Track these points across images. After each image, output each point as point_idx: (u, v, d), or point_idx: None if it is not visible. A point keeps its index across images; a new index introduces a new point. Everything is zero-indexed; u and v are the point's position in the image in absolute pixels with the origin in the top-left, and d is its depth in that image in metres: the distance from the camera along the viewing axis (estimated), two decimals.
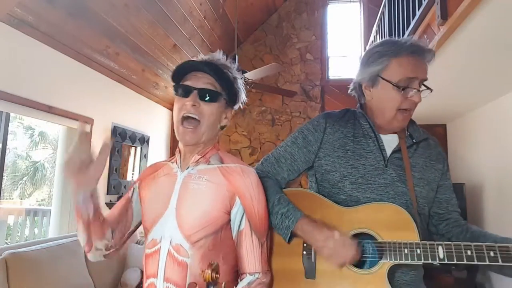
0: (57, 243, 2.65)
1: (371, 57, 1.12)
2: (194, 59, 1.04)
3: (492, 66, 2.39)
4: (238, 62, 3.86)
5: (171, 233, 0.96)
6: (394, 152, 1.12)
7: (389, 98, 1.08)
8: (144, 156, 4.43)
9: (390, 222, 1.00)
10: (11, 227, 4.88)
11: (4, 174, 3.81)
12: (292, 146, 1.20)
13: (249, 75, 3.63)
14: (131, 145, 4.15)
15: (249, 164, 4.79)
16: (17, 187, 10.66)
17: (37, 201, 10.90)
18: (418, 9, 2.30)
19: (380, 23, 3.72)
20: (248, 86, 3.89)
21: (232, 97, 1.07)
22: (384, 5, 3.43)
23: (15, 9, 2.52)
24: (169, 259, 0.94)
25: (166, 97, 5.04)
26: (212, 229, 0.95)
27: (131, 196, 1.11)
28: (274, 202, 1.08)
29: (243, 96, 1.12)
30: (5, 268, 2.18)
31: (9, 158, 10.13)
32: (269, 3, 5.16)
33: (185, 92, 0.99)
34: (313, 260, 1.04)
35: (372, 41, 4.09)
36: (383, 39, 3.58)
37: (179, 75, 1.03)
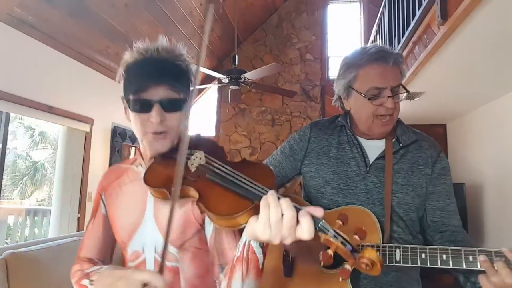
0: (57, 243, 2.65)
1: (341, 69, 1.16)
2: (143, 52, 0.90)
3: (492, 66, 2.39)
4: (238, 62, 3.86)
5: (154, 240, 0.90)
6: (378, 158, 1.14)
7: (362, 108, 1.11)
8: None
9: (357, 223, 0.89)
10: (11, 227, 4.88)
11: (4, 174, 3.81)
12: (281, 155, 1.30)
13: (249, 75, 3.63)
14: (131, 145, 4.15)
15: None
16: (17, 187, 10.66)
17: (37, 201, 10.91)
18: (418, 9, 2.30)
19: (380, 23, 3.72)
20: (248, 86, 3.89)
21: (189, 90, 0.94)
22: (384, 5, 3.43)
23: (15, 9, 2.52)
24: (158, 268, 0.85)
25: None
26: (195, 229, 0.89)
27: (106, 213, 1.00)
28: None
29: (193, 77, 0.97)
30: (5, 268, 2.18)
31: (9, 158, 10.12)
32: (269, 3, 5.16)
33: (145, 106, 0.85)
34: (290, 260, 1.13)
35: (372, 41, 4.09)
36: (382, 39, 3.59)
37: (131, 87, 0.87)
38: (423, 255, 0.93)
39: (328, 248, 0.65)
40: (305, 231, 0.63)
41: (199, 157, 0.85)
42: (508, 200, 3.06)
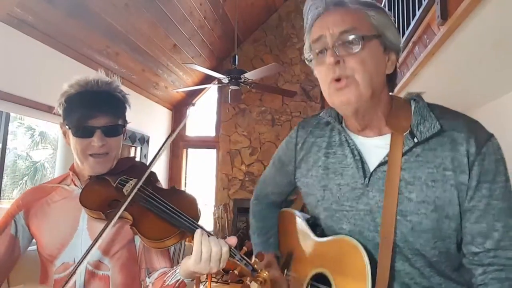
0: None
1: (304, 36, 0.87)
2: (83, 84, 0.98)
3: (492, 66, 2.39)
4: (238, 62, 3.86)
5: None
6: (382, 163, 0.78)
7: (318, 75, 0.82)
8: (144, 156, 4.44)
9: (346, 265, 0.78)
10: None
11: (4, 174, 3.81)
12: (273, 168, 1.05)
13: (249, 75, 3.63)
14: (131, 145, 4.15)
15: (249, 164, 4.77)
16: (17, 187, 10.66)
17: None
18: (418, 9, 2.30)
19: None
20: (248, 86, 3.89)
21: (125, 116, 1.05)
22: (384, 5, 3.43)
23: (15, 9, 2.52)
24: (89, 276, 0.95)
25: (166, 97, 5.05)
26: (127, 240, 0.99)
27: (15, 233, 0.99)
28: (253, 231, 1.09)
29: (129, 103, 1.07)
30: None
31: (9, 158, 10.12)
32: (269, 3, 5.16)
33: (87, 132, 0.94)
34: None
35: None
36: None
37: (73, 115, 0.96)
38: None
39: (235, 269, 0.80)
40: (223, 260, 0.80)
41: (133, 184, 0.91)
42: None
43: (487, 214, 0.72)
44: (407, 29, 2.61)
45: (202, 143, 5.60)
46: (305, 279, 0.89)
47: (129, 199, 0.86)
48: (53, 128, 9.67)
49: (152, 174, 1.02)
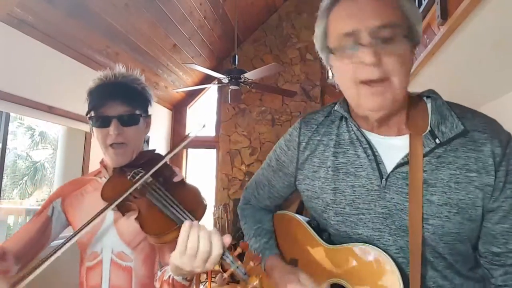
0: (57, 243, 2.65)
1: (316, 22, 0.79)
2: (103, 78, 1.02)
3: (492, 66, 2.39)
4: (238, 62, 3.86)
5: (112, 242, 1.00)
6: (400, 164, 0.74)
7: (341, 73, 0.74)
8: None
9: (372, 278, 0.73)
10: (11, 227, 4.87)
11: (4, 174, 3.81)
12: (268, 170, 0.97)
13: (249, 75, 3.63)
14: None
15: (249, 164, 4.78)
16: (17, 187, 10.67)
17: (37, 201, 10.90)
18: (418, 9, 2.30)
19: None
20: (248, 86, 3.89)
21: (147, 107, 1.07)
22: None
23: (15, 9, 2.52)
24: (113, 267, 0.99)
25: (166, 97, 5.05)
26: None
27: (51, 215, 1.06)
28: (250, 235, 0.97)
29: (152, 99, 1.10)
30: None
31: (9, 158, 10.12)
32: (269, 3, 5.16)
33: (105, 122, 0.98)
34: None
35: None
36: None
37: (91, 106, 1.00)
38: None
39: (225, 271, 0.73)
40: (211, 262, 0.71)
41: (141, 176, 0.93)
42: None
43: (511, 214, 0.71)
44: None
45: (202, 143, 5.60)
46: None
47: (130, 191, 0.87)
48: (53, 128, 9.68)
49: (168, 169, 1.01)
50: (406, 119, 0.77)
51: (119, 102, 0.98)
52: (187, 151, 5.65)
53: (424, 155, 0.73)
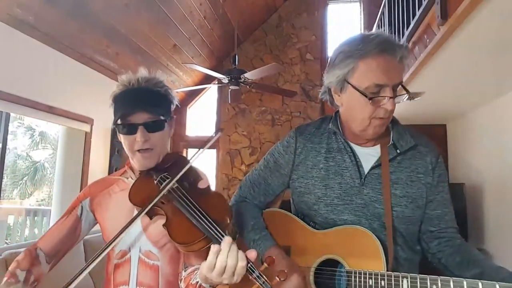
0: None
1: (337, 58, 0.99)
2: (126, 83, 1.04)
3: (492, 66, 2.39)
4: (238, 62, 3.86)
5: (140, 241, 1.03)
6: (373, 167, 1.02)
7: (358, 106, 0.96)
8: None
9: (358, 249, 0.96)
10: (11, 227, 4.88)
11: (4, 174, 3.81)
12: (265, 170, 1.16)
13: (249, 75, 3.63)
14: None
15: (249, 164, 4.76)
16: (17, 187, 10.66)
17: (37, 201, 10.90)
18: (418, 9, 2.30)
19: (380, 23, 3.72)
20: (248, 86, 3.89)
21: (171, 110, 1.10)
22: (384, 5, 3.43)
23: (15, 9, 2.52)
24: (141, 265, 1.02)
25: None
26: None
27: (80, 215, 1.10)
28: (248, 229, 1.08)
29: (176, 100, 1.13)
30: (5, 268, 2.18)
31: (9, 158, 10.12)
32: (269, 3, 5.16)
33: (131, 129, 1.00)
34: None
35: None
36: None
37: (118, 113, 1.03)
38: (434, 287, 0.84)
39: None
40: (238, 275, 0.77)
41: (165, 183, 0.94)
42: (508, 200, 3.06)
43: (441, 203, 1.04)
44: (407, 29, 2.61)
45: (202, 143, 5.58)
46: (311, 268, 1.01)
47: (156, 200, 0.89)
48: (53, 128, 9.68)
49: (192, 173, 1.04)
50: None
51: (144, 109, 1.00)
52: (187, 151, 5.65)
53: (389, 160, 1.01)
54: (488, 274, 0.88)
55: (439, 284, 0.84)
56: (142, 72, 1.07)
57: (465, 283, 0.82)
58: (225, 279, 0.77)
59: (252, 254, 0.78)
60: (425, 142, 1.07)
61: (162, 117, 1.03)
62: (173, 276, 1.02)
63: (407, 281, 0.87)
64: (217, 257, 0.76)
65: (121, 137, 1.04)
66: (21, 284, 0.95)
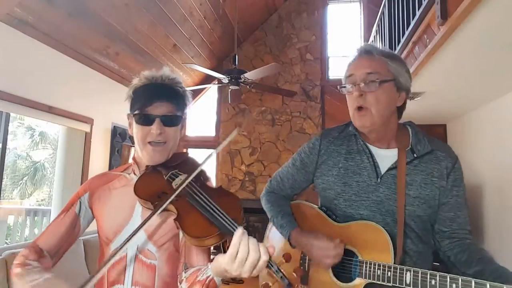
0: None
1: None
2: (149, 77, 1.06)
3: (492, 66, 2.39)
4: (238, 62, 3.86)
5: (138, 239, 1.01)
6: (390, 168, 1.12)
7: (348, 102, 1.14)
8: None
9: (371, 242, 1.09)
10: (11, 227, 4.87)
11: (4, 174, 3.81)
12: (293, 168, 1.32)
13: (249, 75, 3.63)
14: (131, 145, 4.15)
15: (249, 164, 4.75)
16: (17, 187, 10.66)
17: (37, 201, 10.90)
18: (418, 9, 2.30)
19: (380, 23, 3.72)
20: (248, 86, 3.89)
21: (185, 110, 1.11)
22: (384, 5, 3.43)
23: (15, 9, 2.52)
24: (137, 263, 1.00)
25: None
26: (174, 232, 1.01)
27: (78, 212, 1.09)
28: (275, 215, 1.27)
29: (190, 102, 1.14)
30: (5, 268, 2.18)
31: (9, 158, 10.12)
32: (269, 3, 5.16)
33: (148, 120, 1.02)
34: (307, 269, 1.19)
35: (372, 41, 4.09)
36: (382, 39, 3.59)
37: (137, 104, 1.04)
38: (433, 282, 0.93)
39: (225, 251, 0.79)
40: (258, 269, 0.78)
41: (183, 179, 0.94)
42: (508, 200, 3.06)
43: (454, 206, 1.11)
44: (407, 29, 2.61)
45: (202, 143, 5.60)
46: None
47: (176, 193, 0.88)
48: (53, 128, 9.68)
49: (203, 173, 1.05)
50: (396, 138, 1.16)
51: (164, 102, 1.02)
52: (187, 151, 5.66)
53: (406, 163, 1.11)
54: (488, 271, 0.95)
55: (438, 279, 0.93)
56: (165, 70, 1.09)
57: (460, 280, 0.90)
58: (244, 272, 0.78)
59: (271, 249, 0.80)
60: (443, 147, 1.15)
61: (178, 113, 1.05)
62: (170, 277, 1.00)
63: (410, 274, 0.98)
64: (238, 248, 0.78)
65: (135, 128, 1.04)
66: (38, 266, 0.95)
